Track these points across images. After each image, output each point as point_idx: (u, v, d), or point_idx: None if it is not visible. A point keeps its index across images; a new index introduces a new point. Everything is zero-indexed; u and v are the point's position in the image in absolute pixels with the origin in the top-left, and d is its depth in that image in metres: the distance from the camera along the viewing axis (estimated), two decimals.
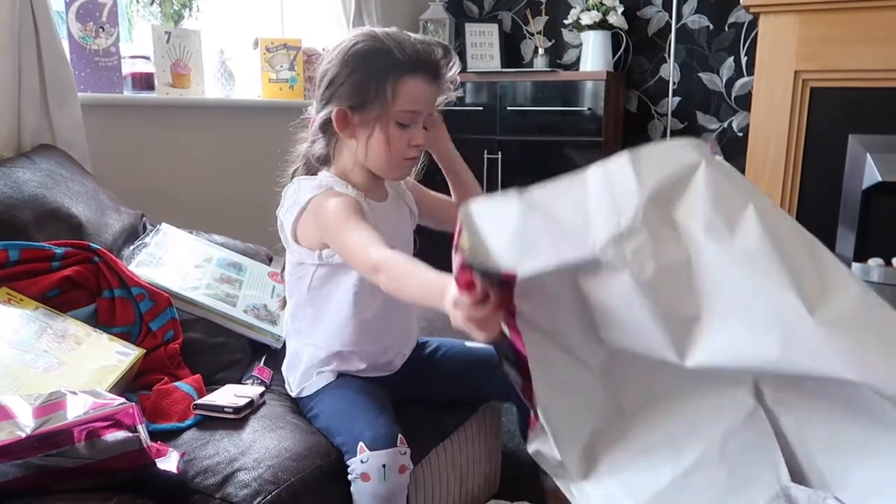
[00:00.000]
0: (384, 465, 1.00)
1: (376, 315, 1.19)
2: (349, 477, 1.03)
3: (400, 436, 1.04)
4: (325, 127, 1.13)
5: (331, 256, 1.13)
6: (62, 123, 1.72)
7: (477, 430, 1.44)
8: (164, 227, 1.62)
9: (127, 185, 1.92)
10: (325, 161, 1.19)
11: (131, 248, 1.50)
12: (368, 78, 1.07)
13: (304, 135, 1.22)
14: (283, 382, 1.30)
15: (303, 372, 1.23)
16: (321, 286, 1.17)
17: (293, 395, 1.25)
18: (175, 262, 1.50)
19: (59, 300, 1.23)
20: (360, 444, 1.02)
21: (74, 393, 0.93)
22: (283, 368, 1.30)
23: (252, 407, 1.15)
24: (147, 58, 2.16)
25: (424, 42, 1.10)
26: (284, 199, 1.18)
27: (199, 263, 1.54)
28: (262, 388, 1.22)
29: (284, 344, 1.46)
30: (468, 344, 1.36)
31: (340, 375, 1.20)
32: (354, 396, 1.15)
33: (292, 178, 1.21)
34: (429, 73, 1.10)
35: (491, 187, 3.08)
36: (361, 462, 1.01)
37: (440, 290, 0.82)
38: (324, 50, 1.17)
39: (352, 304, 1.16)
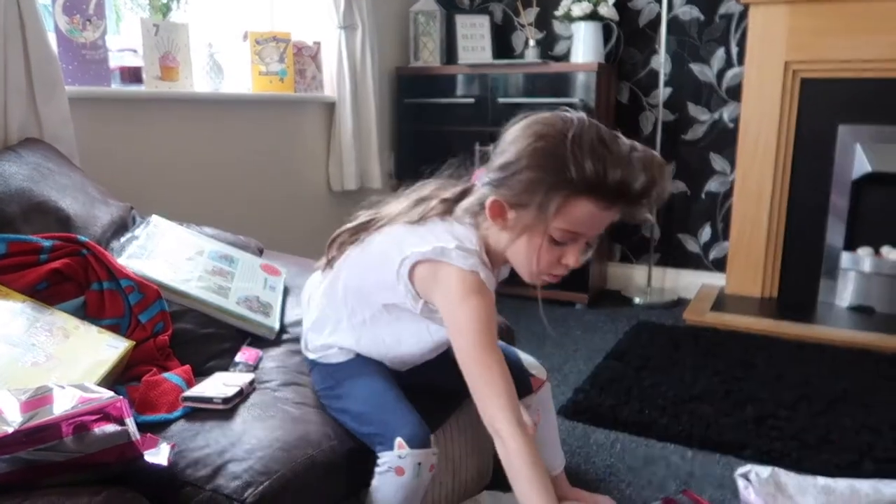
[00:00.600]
0: (419, 464, 1.05)
1: (432, 352, 1.21)
2: (378, 468, 1.06)
3: (432, 436, 1.09)
4: (478, 207, 1.08)
5: (434, 312, 1.09)
6: (49, 117, 1.71)
7: (469, 422, 1.44)
8: (155, 219, 1.61)
9: (116, 179, 1.91)
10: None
11: (121, 240, 1.49)
12: (535, 184, 0.98)
13: (452, 178, 1.16)
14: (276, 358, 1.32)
15: (323, 344, 1.22)
16: (400, 314, 1.15)
17: (309, 356, 1.26)
18: (166, 254, 1.49)
19: (47, 293, 1.22)
20: (399, 440, 1.05)
21: (62, 387, 0.93)
22: (306, 325, 1.28)
23: (241, 396, 1.14)
24: (135, 51, 2.14)
25: (624, 165, 0.96)
26: (420, 231, 1.09)
27: (190, 256, 1.53)
28: (251, 376, 1.22)
29: (280, 331, 1.47)
30: None
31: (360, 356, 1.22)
32: (382, 386, 1.16)
33: (422, 214, 1.13)
34: (609, 199, 0.98)
35: None
36: (399, 457, 1.04)
37: None
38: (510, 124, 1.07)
39: (424, 348, 1.19)
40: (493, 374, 1.00)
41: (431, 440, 1.08)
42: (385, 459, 1.06)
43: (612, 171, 0.96)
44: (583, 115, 1.02)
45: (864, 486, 1.38)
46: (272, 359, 1.35)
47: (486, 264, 1.06)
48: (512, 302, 3.02)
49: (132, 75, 2.11)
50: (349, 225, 1.22)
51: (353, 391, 1.15)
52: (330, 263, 1.24)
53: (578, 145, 0.96)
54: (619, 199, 0.99)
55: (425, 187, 1.17)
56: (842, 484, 1.38)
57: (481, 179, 1.08)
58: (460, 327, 1.03)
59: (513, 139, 1.03)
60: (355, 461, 1.12)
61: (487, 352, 1.01)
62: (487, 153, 1.08)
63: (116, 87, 2.07)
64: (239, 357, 1.32)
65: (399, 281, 1.07)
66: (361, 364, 1.21)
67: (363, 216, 1.21)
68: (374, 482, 1.08)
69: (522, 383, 1.34)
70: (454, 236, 1.06)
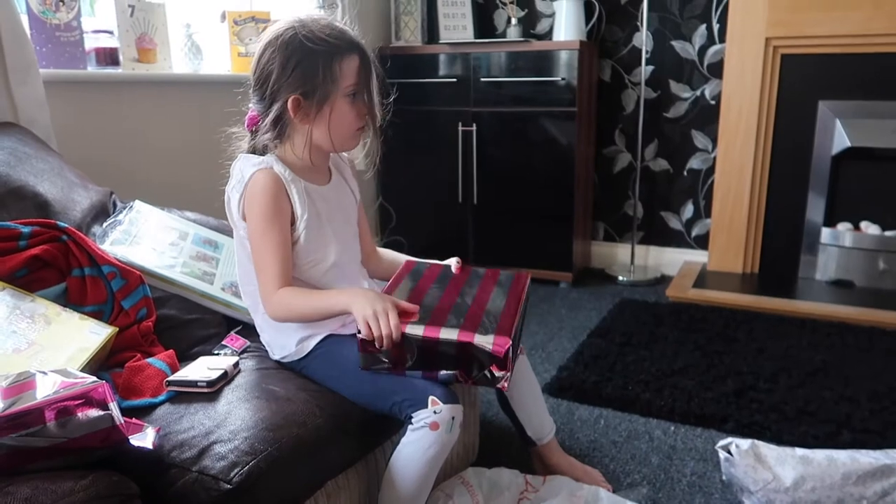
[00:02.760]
0: (453, 418, 1.13)
1: (324, 275, 1.27)
2: (412, 426, 1.13)
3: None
4: (278, 120, 1.21)
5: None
6: (24, 100, 1.68)
7: None
8: (137, 204, 1.60)
9: (94, 163, 1.89)
10: (269, 147, 1.27)
11: (104, 225, 1.48)
12: (317, 63, 1.16)
13: (238, 139, 1.32)
14: (259, 348, 1.34)
15: (283, 337, 1.26)
16: None
17: (280, 359, 1.28)
18: (150, 239, 1.48)
19: (27, 280, 1.21)
20: (432, 398, 1.13)
21: (44, 373, 0.92)
22: (262, 339, 1.32)
23: (226, 378, 1.15)
24: (111, 32, 2.11)
25: (338, 26, 1.21)
26: (232, 175, 1.26)
27: (174, 241, 1.52)
28: (235, 359, 1.22)
29: None
30: None
31: (332, 335, 1.25)
32: None
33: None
34: (355, 48, 1.20)
35: (466, 159, 3.07)
36: (434, 413, 1.12)
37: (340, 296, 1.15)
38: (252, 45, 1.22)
39: (299, 271, 1.25)
40: (264, 254, 1.18)
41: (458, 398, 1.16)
42: (421, 416, 1.13)
43: (343, 31, 1.19)
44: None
45: (842, 455, 1.40)
46: (258, 344, 1.35)
47: (282, 164, 1.22)
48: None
49: (108, 57, 2.08)
50: None
51: (363, 373, 1.19)
52: None
53: (317, 23, 1.18)
54: (356, 46, 1.19)
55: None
56: (820, 454, 1.41)
57: (260, 109, 1.23)
58: (252, 205, 1.19)
59: (268, 56, 1.18)
60: (344, 437, 1.13)
61: (263, 235, 1.17)
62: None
63: (92, 69, 2.03)
64: (225, 342, 1.32)
65: (239, 228, 1.24)
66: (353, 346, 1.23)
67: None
68: (405, 439, 1.15)
69: None
70: (251, 161, 1.23)
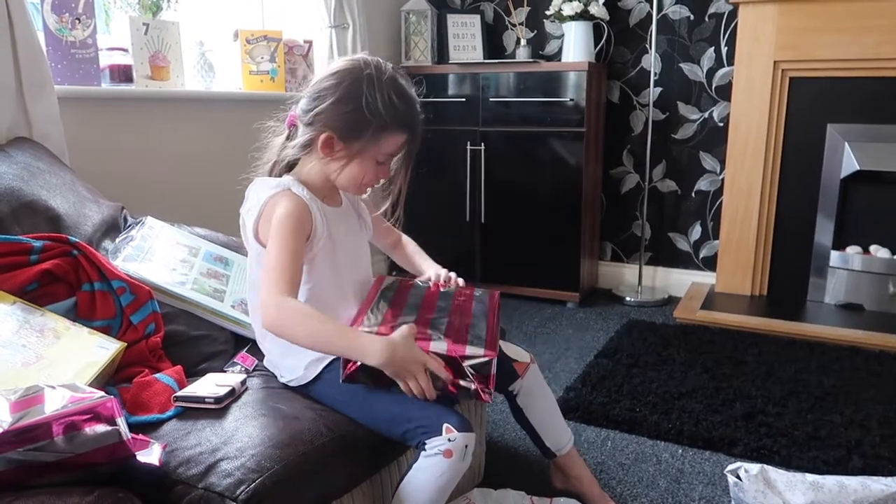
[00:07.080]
0: (467, 446, 1.12)
1: (327, 294, 1.26)
2: (425, 453, 1.12)
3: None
4: (308, 144, 1.22)
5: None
6: (39, 116, 1.70)
7: None
8: (149, 220, 1.60)
9: (106, 179, 1.90)
10: (291, 167, 1.28)
11: (116, 241, 1.49)
12: (368, 123, 1.18)
13: (275, 134, 1.30)
14: (266, 369, 1.32)
15: (291, 360, 1.24)
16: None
17: (287, 382, 1.26)
18: (162, 256, 1.49)
19: (37, 294, 1.22)
20: (447, 425, 1.11)
21: (52, 387, 0.92)
22: (268, 363, 1.31)
23: (233, 395, 1.15)
24: (125, 50, 2.13)
25: (412, 99, 1.23)
26: (247, 198, 1.25)
27: (185, 258, 1.53)
28: (243, 376, 1.22)
29: None
30: None
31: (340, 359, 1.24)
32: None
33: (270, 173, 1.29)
34: (409, 130, 1.23)
35: (474, 178, 3.08)
36: (449, 440, 1.11)
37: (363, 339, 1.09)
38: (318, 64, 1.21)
39: (309, 294, 1.24)
40: (278, 258, 1.12)
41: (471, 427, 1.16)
42: (435, 444, 1.11)
43: (411, 107, 1.22)
44: (378, 59, 1.22)
45: (853, 482, 1.39)
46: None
47: (294, 182, 1.22)
48: (503, 302, 3.03)
49: (122, 74, 2.10)
50: None
51: (376, 398, 1.18)
52: None
53: (391, 81, 1.19)
54: (415, 127, 1.23)
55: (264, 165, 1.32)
56: (830, 480, 1.39)
57: (301, 121, 1.23)
58: (273, 225, 1.16)
59: (330, 85, 1.19)
60: (351, 457, 1.13)
61: (280, 243, 1.13)
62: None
63: (106, 86, 2.06)
64: (236, 360, 1.32)
65: (254, 250, 1.22)
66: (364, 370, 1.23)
67: None
68: (417, 465, 1.13)
69: (506, 372, 1.38)
70: (268, 185, 1.22)
